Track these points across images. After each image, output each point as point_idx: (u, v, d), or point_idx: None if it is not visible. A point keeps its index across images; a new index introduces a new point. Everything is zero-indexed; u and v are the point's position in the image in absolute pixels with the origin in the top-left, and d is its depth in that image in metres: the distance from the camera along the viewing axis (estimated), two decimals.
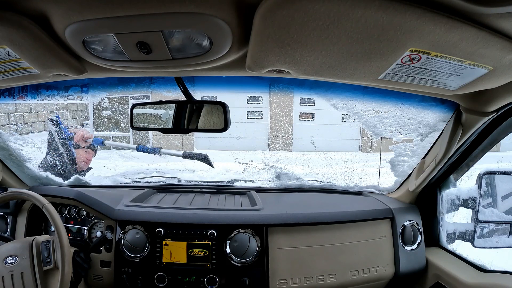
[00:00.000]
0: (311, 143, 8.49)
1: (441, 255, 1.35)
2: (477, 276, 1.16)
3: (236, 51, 0.68)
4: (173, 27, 0.59)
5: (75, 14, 0.55)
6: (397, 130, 1.35)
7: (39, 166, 2.02)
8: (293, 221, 1.29)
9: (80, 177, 1.68)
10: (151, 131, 6.98)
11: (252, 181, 1.88)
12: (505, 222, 1.27)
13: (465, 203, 1.31)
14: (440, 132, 1.18)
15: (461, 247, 1.34)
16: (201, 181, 1.77)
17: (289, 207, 1.39)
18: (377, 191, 1.63)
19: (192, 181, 1.78)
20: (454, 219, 1.39)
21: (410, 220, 1.38)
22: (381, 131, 1.38)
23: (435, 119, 1.17)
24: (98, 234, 1.37)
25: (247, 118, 8.90)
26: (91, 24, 0.57)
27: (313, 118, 9.07)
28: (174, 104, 1.03)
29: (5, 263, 1.03)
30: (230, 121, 1.01)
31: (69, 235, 1.38)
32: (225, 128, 1.00)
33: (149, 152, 2.27)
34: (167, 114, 1.07)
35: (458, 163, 1.25)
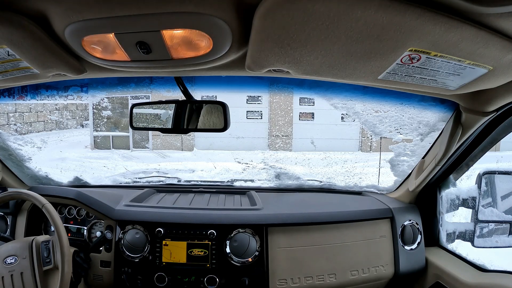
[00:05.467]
0: (310, 143, 8.49)
1: (441, 254, 1.35)
2: (477, 275, 1.16)
3: (236, 51, 0.68)
4: (173, 27, 0.59)
5: (74, 13, 0.55)
6: (397, 130, 1.35)
7: None
8: (293, 221, 1.29)
9: (80, 177, 1.67)
10: (150, 131, 6.98)
11: (252, 181, 1.89)
12: (505, 222, 1.27)
13: (464, 202, 1.31)
14: (440, 131, 1.18)
15: (461, 247, 1.34)
16: (201, 181, 1.77)
17: (289, 207, 1.39)
18: (376, 191, 1.63)
19: (192, 181, 1.78)
20: (454, 219, 1.39)
21: (410, 220, 1.38)
22: (381, 131, 1.38)
23: (434, 119, 1.17)
24: (98, 234, 1.37)
25: (247, 118, 8.91)
26: (90, 24, 0.57)
27: (313, 118, 9.07)
28: (174, 104, 1.03)
29: (5, 263, 1.03)
30: (230, 121, 1.01)
31: (69, 235, 1.38)
32: (225, 128, 1.00)
33: None
34: (167, 114, 1.07)
35: (458, 162, 1.25)
